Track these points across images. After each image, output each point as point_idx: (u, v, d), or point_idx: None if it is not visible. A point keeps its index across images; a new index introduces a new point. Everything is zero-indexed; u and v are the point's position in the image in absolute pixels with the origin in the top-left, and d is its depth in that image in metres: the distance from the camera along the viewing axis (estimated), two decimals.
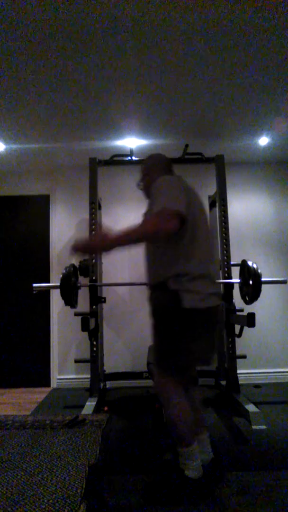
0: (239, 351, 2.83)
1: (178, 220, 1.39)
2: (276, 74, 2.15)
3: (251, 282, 2.50)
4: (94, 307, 2.73)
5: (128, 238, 1.39)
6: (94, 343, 2.74)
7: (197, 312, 1.45)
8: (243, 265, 2.67)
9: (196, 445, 1.54)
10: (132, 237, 1.39)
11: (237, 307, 2.75)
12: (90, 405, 2.47)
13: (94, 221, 2.85)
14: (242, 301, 2.72)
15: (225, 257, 2.82)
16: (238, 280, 2.74)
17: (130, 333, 3.29)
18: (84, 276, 2.88)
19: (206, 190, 3.44)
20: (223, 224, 2.87)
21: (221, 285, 2.91)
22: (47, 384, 3.43)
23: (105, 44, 1.87)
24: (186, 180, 1.62)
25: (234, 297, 2.78)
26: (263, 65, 2.07)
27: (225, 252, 2.83)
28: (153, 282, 1.57)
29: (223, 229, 2.86)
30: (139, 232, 1.39)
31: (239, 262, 2.75)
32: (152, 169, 1.80)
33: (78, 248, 1.39)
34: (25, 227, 3.65)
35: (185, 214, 1.42)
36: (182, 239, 1.49)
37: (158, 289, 1.54)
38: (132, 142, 3.03)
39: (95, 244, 1.46)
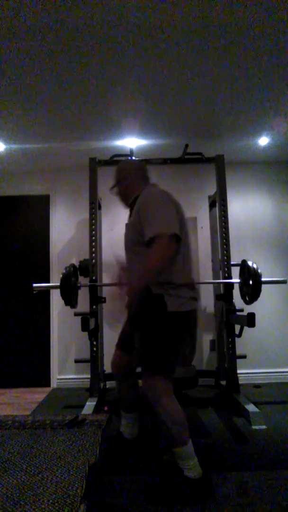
0: (239, 351, 2.83)
1: (176, 242, 1.46)
2: (276, 74, 2.15)
3: (251, 282, 2.50)
4: (94, 307, 2.73)
5: (148, 278, 1.45)
6: (94, 343, 2.74)
7: (180, 315, 1.53)
8: (243, 265, 2.67)
9: (191, 443, 1.54)
10: (150, 275, 1.45)
11: (237, 307, 2.75)
12: (90, 405, 2.47)
13: (94, 221, 2.85)
14: (242, 301, 2.71)
15: (225, 257, 2.82)
16: (238, 280, 2.74)
17: None
18: (84, 276, 2.88)
19: (206, 190, 3.45)
20: (223, 224, 2.87)
21: (221, 285, 2.91)
22: (47, 384, 3.43)
23: (105, 44, 1.87)
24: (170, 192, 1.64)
25: (234, 297, 2.78)
26: (263, 65, 2.07)
27: (225, 252, 2.83)
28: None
29: (223, 229, 2.86)
30: (153, 269, 1.44)
31: (239, 262, 2.75)
32: (129, 176, 1.78)
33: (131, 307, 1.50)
34: (25, 227, 3.65)
35: (180, 234, 1.48)
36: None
37: (142, 292, 1.54)
38: (132, 142, 3.03)
39: (133, 298, 1.50)
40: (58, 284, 2.55)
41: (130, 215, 1.76)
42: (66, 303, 2.60)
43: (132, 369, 1.89)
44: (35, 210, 3.67)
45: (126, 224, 1.74)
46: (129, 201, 1.76)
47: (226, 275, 2.79)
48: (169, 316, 1.51)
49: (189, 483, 1.49)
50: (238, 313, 2.72)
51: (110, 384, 3.20)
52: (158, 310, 1.51)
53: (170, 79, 2.20)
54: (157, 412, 1.54)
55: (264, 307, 3.27)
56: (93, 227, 2.85)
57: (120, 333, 1.94)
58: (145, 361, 1.56)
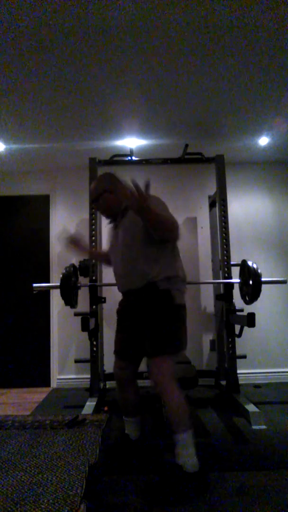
0: (239, 351, 2.83)
1: (178, 237, 1.69)
2: (276, 74, 2.15)
3: (251, 282, 2.50)
4: (94, 307, 2.73)
5: (157, 215, 1.51)
6: (94, 343, 2.74)
7: (183, 307, 1.73)
8: (243, 265, 2.67)
9: (192, 432, 1.59)
10: (160, 218, 1.53)
11: (237, 307, 2.75)
12: (90, 405, 2.47)
13: (94, 221, 2.85)
14: (242, 301, 2.71)
15: (225, 257, 2.82)
16: (238, 280, 2.74)
17: None
18: (84, 276, 2.88)
19: (206, 190, 3.45)
20: (223, 224, 2.87)
21: (221, 285, 2.91)
22: (47, 384, 3.43)
23: (105, 44, 1.87)
24: None
25: (234, 297, 2.78)
26: (263, 65, 2.07)
27: (225, 252, 2.83)
28: (139, 285, 1.70)
29: (223, 229, 2.86)
30: (167, 219, 1.58)
31: (239, 262, 2.74)
32: (116, 187, 1.82)
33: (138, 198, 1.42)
34: (25, 227, 3.65)
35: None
36: (173, 249, 1.75)
37: (148, 290, 1.68)
38: (132, 142, 3.03)
39: (139, 198, 1.44)
40: (58, 284, 2.55)
41: (118, 224, 1.82)
42: (66, 303, 2.60)
43: (134, 376, 1.89)
44: (35, 210, 3.67)
45: (122, 229, 1.77)
46: (117, 210, 1.81)
47: (226, 275, 2.79)
48: (176, 308, 1.68)
49: (188, 479, 1.50)
50: (238, 313, 2.71)
51: (110, 384, 3.20)
52: (167, 303, 1.66)
53: (170, 79, 2.20)
54: (165, 396, 1.61)
55: (264, 307, 3.27)
56: (93, 227, 2.85)
57: (117, 341, 1.90)
58: (159, 348, 1.64)
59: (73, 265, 2.69)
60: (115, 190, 1.80)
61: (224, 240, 2.85)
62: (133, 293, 1.75)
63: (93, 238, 2.83)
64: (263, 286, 2.49)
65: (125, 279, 1.77)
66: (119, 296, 1.96)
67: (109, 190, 1.81)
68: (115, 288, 1.97)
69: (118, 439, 1.90)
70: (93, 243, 2.83)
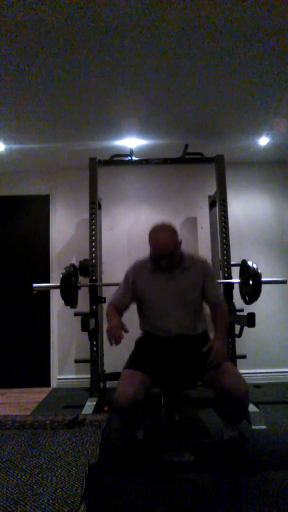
0: (239, 351, 2.83)
1: None
2: (276, 74, 2.15)
3: (251, 282, 2.50)
4: (94, 307, 2.73)
5: (226, 331, 2.01)
6: (94, 343, 2.74)
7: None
8: (243, 265, 2.67)
9: None
10: (227, 326, 2.02)
11: (237, 307, 2.75)
12: (90, 405, 2.47)
13: (94, 221, 2.85)
14: (242, 301, 2.71)
15: (225, 257, 2.82)
16: (238, 280, 2.74)
17: (130, 333, 3.28)
18: (84, 276, 2.88)
19: (206, 190, 3.44)
20: (223, 224, 2.87)
21: (221, 285, 2.91)
22: (47, 384, 3.43)
23: (105, 44, 1.87)
24: None
25: (234, 297, 2.78)
26: (263, 65, 2.07)
27: (225, 252, 2.83)
28: (195, 333, 1.97)
29: (223, 229, 2.86)
30: (228, 322, 2.05)
31: (239, 262, 2.74)
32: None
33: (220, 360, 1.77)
34: (25, 227, 3.65)
35: None
36: None
37: (200, 338, 1.97)
38: (132, 142, 3.03)
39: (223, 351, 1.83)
40: (58, 284, 2.55)
41: (173, 274, 1.94)
42: (66, 303, 2.60)
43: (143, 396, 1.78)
44: (35, 210, 3.67)
45: (181, 284, 1.94)
46: (177, 262, 1.94)
47: (226, 275, 2.79)
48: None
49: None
50: (238, 313, 2.71)
51: (110, 384, 3.20)
52: (207, 339, 1.98)
53: (170, 79, 2.20)
54: (246, 392, 1.73)
55: (264, 307, 3.27)
56: (93, 227, 2.85)
57: (138, 362, 1.89)
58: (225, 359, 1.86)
59: (73, 265, 2.70)
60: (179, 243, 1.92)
61: (224, 240, 2.85)
62: (185, 338, 1.93)
63: (93, 238, 2.83)
64: (263, 286, 2.49)
65: (180, 326, 1.92)
66: None
67: (180, 242, 1.91)
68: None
69: (125, 439, 1.91)
70: (93, 243, 2.83)
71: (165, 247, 1.84)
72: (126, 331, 1.80)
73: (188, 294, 1.94)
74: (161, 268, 1.91)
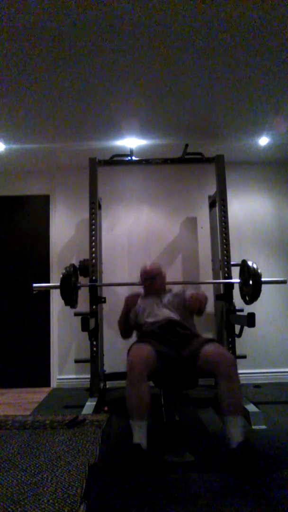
0: (239, 351, 2.83)
1: None
2: (276, 74, 2.15)
3: (251, 282, 2.50)
4: (94, 307, 2.73)
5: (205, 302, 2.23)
6: (94, 343, 2.74)
7: None
8: (243, 265, 2.67)
9: None
10: (204, 306, 2.22)
11: (237, 307, 2.75)
12: (90, 405, 2.47)
13: (94, 221, 2.85)
14: (242, 301, 2.71)
15: (225, 257, 2.82)
16: (238, 280, 2.74)
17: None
18: (84, 276, 2.88)
19: (206, 190, 3.45)
20: (223, 224, 2.87)
21: (221, 285, 2.91)
22: (47, 384, 3.43)
23: (105, 44, 1.87)
24: None
25: (234, 297, 2.78)
26: (263, 65, 2.07)
27: (225, 252, 2.83)
28: (183, 322, 2.26)
29: (223, 229, 2.86)
30: (205, 300, 2.24)
31: (239, 262, 2.74)
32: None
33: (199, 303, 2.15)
34: (25, 227, 3.65)
35: None
36: None
37: (195, 336, 2.18)
38: (132, 142, 3.03)
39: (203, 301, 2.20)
40: (58, 284, 2.55)
41: (161, 298, 2.44)
42: (66, 303, 2.59)
43: (151, 368, 1.83)
44: (35, 210, 3.67)
45: (173, 295, 2.47)
46: (163, 288, 2.53)
47: (226, 275, 2.79)
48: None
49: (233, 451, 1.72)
50: (238, 313, 2.71)
51: (110, 384, 3.20)
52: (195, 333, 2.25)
53: (170, 79, 2.20)
54: (236, 377, 1.84)
55: (264, 307, 3.27)
56: (93, 227, 2.85)
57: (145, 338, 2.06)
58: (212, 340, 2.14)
59: (73, 265, 2.69)
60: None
61: (224, 240, 2.85)
62: (174, 321, 2.21)
63: (93, 238, 2.83)
64: (263, 286, 2.49)
65: (169, 316, 2.27)
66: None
67: (163, 272, 2.58)
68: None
69: (130, 448, 1.66)
70: (93, 243, 2.83)
71: (150, 270, 2.52)
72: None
73: (181, 304, 2.38)
74: (150, 290, 2.47)
